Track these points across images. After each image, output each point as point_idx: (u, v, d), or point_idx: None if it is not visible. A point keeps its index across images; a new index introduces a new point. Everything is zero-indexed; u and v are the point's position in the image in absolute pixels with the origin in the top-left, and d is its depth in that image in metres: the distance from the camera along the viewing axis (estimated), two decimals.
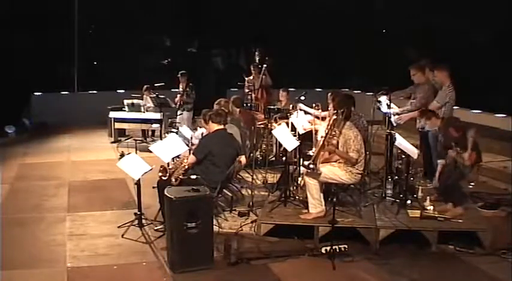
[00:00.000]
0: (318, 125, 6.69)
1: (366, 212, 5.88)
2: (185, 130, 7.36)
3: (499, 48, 10.38)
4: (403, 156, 6.47)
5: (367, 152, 6.12)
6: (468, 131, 5.74)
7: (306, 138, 6.80)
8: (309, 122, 7.02)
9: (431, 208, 5.83)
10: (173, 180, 5.76)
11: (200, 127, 6.61)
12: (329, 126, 5.65)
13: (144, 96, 11.15)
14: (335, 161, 5.80)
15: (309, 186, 5.62)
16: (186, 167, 5.92)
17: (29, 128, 12.76)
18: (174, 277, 4.81)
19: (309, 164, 5.34)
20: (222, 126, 6.19)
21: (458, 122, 5.93)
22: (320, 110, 7.20)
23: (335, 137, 5.67)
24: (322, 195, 5.67)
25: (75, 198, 7.26)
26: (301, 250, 5.35)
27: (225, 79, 14.63)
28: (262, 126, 8.50)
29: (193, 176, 5.83)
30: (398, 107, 7.00)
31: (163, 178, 5.82)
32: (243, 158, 6.45)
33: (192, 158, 5.96)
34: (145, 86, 11.12)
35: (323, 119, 7.04)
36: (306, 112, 7.53)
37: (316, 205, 5.62)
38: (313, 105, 7.34)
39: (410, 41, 12.41)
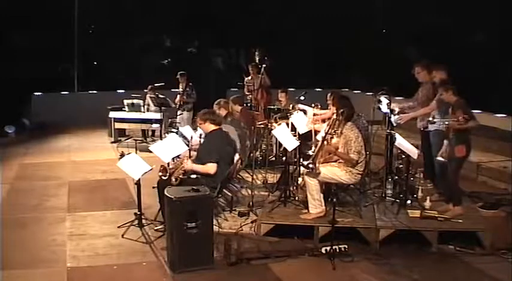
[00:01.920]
0: (319, 126, 6.70)
1: (366, 212, 5.88)
2: (186, 130, 7.36)
3: (499, 48, 10.39)
4: (403, 156, 6.47)
5: (367, 152, 6.12)
6: (471, 121, 5.68)
7: (306, 138, 6.80)
8: (312, 118, 7.02)
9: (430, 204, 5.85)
10: (173, 180, 5.75)
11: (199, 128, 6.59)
12: (329, 126, 5.65)
13: (147, 96, 11.15)
14: (335, 161, 5.80)
15: (309, 186, 5.62)
16: (211, 172, 5.82)
17: (29, 128, 12.76)
18: (174, 277, 4.81)
19: (308, 163, 5.34)
20: (218, 126, 6.17)
21: (469, 109, 5.83)
22: (320, 109, 7.22)
23: (335, 137, 5.67)
24: (322, 195, 5.67)
25: (75, 198, 7.26)
26: (301, 250, 5.34)
27: (225, 79, 14.64)
28: (262, 126, 8.50)
29: (193, 176, 5.82)
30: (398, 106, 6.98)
31: (164, 177, 5.82)
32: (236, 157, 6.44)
33: (213, 167, 5.80)
34: (149, 86, 11.11)
35: (323, 121, 7.04)
36: (305, 111, 7.54)
37: (316, 206, 5.63)
38: (313, 105, 7.35)
39: (410, 41, 12.43)
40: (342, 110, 5.66)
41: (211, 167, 5.82)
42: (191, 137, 6.64)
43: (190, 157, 6.13)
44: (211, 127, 6.08)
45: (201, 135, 6.28)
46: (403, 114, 6.82)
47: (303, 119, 7.19)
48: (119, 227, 5.93)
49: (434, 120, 6.14)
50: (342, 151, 5.67)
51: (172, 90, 11.64)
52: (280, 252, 5.28)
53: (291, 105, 7.86)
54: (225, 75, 15.22)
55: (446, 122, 5.81)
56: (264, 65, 9.86)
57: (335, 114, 5.76)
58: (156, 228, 5.81)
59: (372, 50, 13.38)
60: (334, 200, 5.45)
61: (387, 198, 6.31)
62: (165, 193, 4.98)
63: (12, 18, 12.50)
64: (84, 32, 15.04)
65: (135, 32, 14.99)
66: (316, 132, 6.60)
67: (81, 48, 14.72)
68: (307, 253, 5.25)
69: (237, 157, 6.44)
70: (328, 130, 5.63)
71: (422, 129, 6.85)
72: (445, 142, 6.00)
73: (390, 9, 13.50)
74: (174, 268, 4.89)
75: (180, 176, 5.82)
